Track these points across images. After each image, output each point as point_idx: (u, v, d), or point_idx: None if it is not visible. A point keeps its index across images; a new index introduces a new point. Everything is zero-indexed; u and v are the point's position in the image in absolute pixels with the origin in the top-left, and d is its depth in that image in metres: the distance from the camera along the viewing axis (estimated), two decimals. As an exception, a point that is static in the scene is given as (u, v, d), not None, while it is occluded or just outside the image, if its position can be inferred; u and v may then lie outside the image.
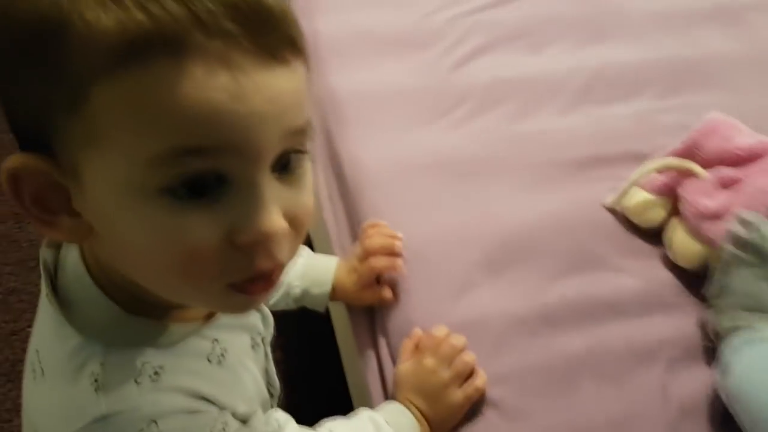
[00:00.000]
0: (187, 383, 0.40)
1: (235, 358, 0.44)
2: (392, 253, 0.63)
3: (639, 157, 0.76)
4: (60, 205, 0.34)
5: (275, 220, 0.34)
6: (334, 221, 0.76)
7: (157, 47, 0.29)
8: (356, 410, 0.59)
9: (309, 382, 0.99)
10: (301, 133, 0.35)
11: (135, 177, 0.32)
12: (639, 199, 0.71)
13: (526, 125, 0.83)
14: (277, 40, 0.32)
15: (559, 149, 0.81)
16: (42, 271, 0.40)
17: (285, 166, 0.35)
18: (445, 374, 0.58)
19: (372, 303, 0.65)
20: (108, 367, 0.37)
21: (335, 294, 0.65)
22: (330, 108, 0.77)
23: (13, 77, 0.32)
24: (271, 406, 0.53)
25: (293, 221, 0.35)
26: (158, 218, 0.32)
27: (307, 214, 0.37)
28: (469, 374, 0.59)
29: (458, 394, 0.57)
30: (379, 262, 0.62)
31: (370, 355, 0.67)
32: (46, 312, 0.40)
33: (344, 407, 0.66)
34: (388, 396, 0.63)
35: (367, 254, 0.63)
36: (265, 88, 0.32)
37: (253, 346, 0.49)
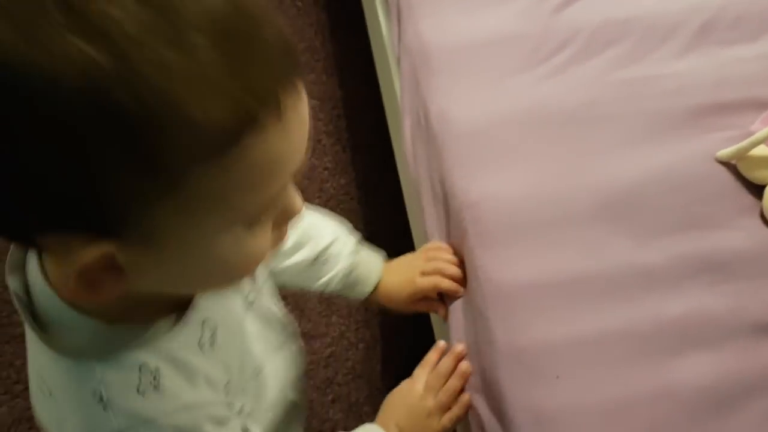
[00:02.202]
0: (186, 381, 0.42)
1: (227, 330, 0.47)
2: (456, 278, 0.68)
3: (763, 105, 0.69)
4: (107, 274, 0.34)
5: (300, 200, 0.41)
6: (417, 177, 0.75)
7: (249, 128, 0.31)
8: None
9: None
10: None
11: (232, 225, 0.35)
12: (756, 153, 0.65)
13: (635, 71, 0.78)
14: (299, 74, 0.35)
15: (672, 97, 0.75)
16: (16, 301, 0.40)
17: None
18: (431, 402, 0.64)
19: (418, 312, 0.70)
20: (107, 383, 0.39)
21: (377, 296, 0.70)
22: (420, 58, 0.76)
23: (93, 165, 0.30)
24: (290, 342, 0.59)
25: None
26: (247, 243, 0.37)
27: None
28: (454, 401, 0.64)
29: (437, 424, 0.64)
30: (444, 284, 0.68)
31: (458, 322, 0.67)
32: (33, 338, 0.40)
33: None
34: (471, 357, 0.63)
35: (434, 272, 0.68)
36: (304, 117, 0.35)
37: (247, 307, 0.52)
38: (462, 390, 0.64)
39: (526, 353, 0.59)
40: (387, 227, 1.11)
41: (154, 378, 0.40)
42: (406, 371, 0.99)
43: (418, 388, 0.66)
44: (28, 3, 0.27)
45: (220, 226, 0.35)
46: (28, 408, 0.47)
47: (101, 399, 0.39)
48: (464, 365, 0.64)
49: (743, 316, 0.60)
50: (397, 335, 1.00)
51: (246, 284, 0.52)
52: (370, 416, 0.96)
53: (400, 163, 0.95)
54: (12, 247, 0.41)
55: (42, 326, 0.39)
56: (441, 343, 0.68)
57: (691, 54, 0.79)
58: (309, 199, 1.13)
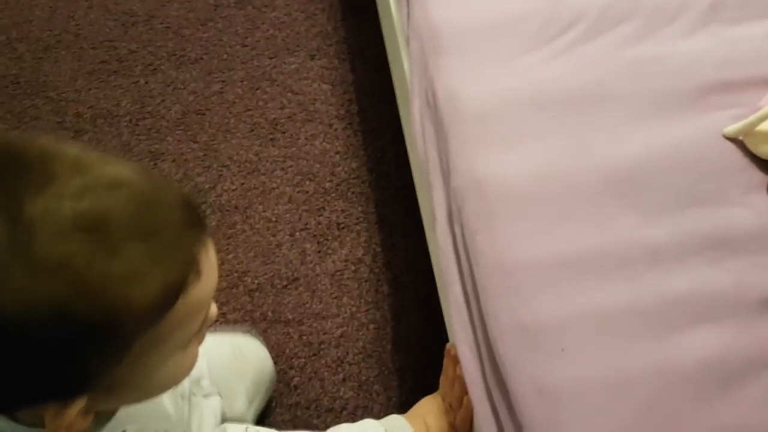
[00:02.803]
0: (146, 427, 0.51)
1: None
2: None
3: (771, 82, 0.68)
4: (80, 417, 0.42)
5: (215, 306, 0.48)
6: (425, 157, 0.76)
7: (179, 295, 0.40)
8: (363, 420, 0.71)
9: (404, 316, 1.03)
10: None
11: (172, 353, 0.44)
12: (764, 128, 0.65)
13: (642, 49, 0.78)
14: (206, 228, 0.44)
15: (678, 75, 0.75)
16: None
17: None
18: (446, 406, 0.72)
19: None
20: None
21: None
22: (428, 38, 0.77)
23: (76, 360, 0.38)
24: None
25: None
26: (185, 360, 0.46)
27: None
28: (460, 404, 0.69)
29: (460, 428, 0.70)
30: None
31: (456, 290, 0.68)
32: None
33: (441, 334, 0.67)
34: (473, 324, 0.64)
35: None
36: (213, 258, 0.44)
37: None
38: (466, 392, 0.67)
39: (530, 328, 0.60)
40: (398, 211, 1.12)
41: None
42: (416, 353, 1.00)
43: (441, 404, 0.73)
44: None
45: (164, 358, 0.43)
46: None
47: None
48: (462, 371, 0.67)
49: (748, 292, 0.61)
50: (408, 317, 1.01)
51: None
52: (381, 395, 0.97)
53: (409, 145, 0.96)
54: None
55: None
56: (448, 347, 0.71)
57: (699, 33, 0.78)
58: (320, 182, 1.15)
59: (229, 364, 0.85)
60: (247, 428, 0.64)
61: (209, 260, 0.42)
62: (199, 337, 0.46)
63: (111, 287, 0.36)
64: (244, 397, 0.84)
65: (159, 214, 0.39)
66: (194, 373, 0.76)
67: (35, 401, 0.40)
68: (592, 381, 0.58)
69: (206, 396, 0.77)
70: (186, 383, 0.75)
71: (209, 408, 0.75)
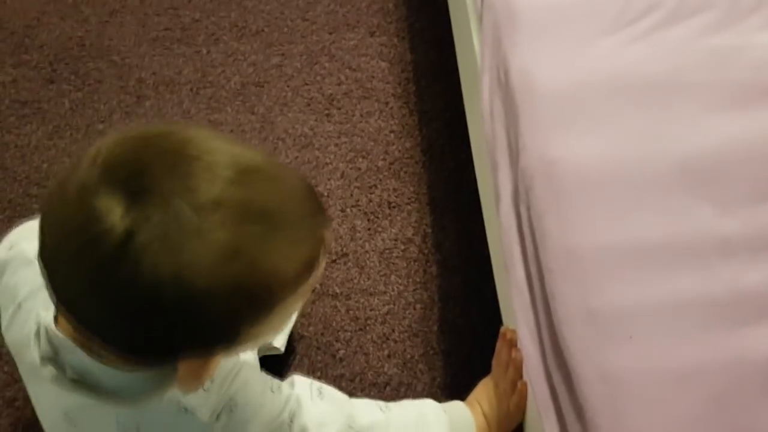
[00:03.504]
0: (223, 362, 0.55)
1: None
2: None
3: None
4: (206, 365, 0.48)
5: None
6: (492, 135, 0.75)
7: (315, 266, 0.47)
8: (425, 399, 0.72)
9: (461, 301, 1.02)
10: None
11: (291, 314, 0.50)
12: None
13: (721, 39, 0.75)
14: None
15: (757, 67, 0.73)
16: (62, 380, 0.51)
17: None
18: (499, 391, 0.72)
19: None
20: (181, 397, 0.52)
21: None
22: (504, 15, 0.76)
23: (240, 320, 0.45)
24: None
25: None
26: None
27: None
28: (513, 389, 0.69)
29: (514, 413, 0.70)
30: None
31: (519, 271, 0.67)
32: (55, 391, 0.51)
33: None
34: (535, 307, 0.63)
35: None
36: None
37: None
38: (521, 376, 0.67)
39: (598, 313, 0.59)
40: (450, 193, 1.11)
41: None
42: (462, 335, 1.00)
43: (500, 389, 0.73)
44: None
45: (288, 315, 0.49)
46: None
47: (186, 410, 0.52)
48: (517, 354, 0.67)
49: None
50: (455, 299, 1.01)
51: None
52: (425, 375, 0.97)
53: (471, 124, 0.95)
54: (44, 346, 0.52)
55: (109, 393, 0.51)
56: (503, 330, 0.71)
57: (782, 25, 0.75)
58: (373, 160, 1.15)
59: None
60: (311, 383, 0.66)
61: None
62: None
63: (272, 267, 0.43)
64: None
65: (297, 202, 0.46)
66: None
67: (187, 354, 0.46)
68: (658, 370, 0.57)
69: None
70: None
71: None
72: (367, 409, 0.67)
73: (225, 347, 0.46)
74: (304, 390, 0.64)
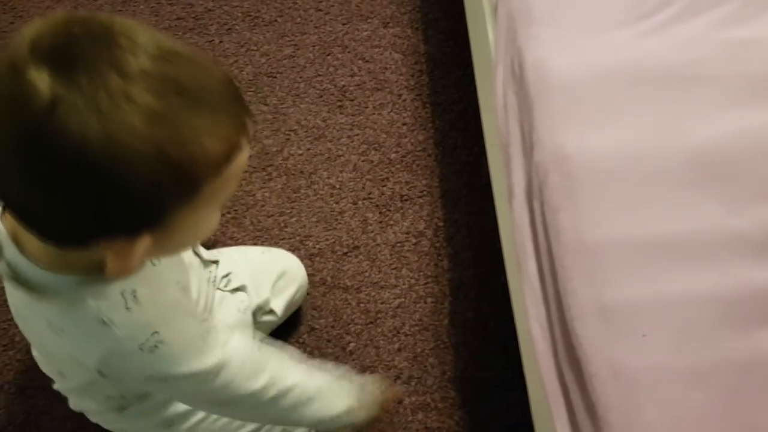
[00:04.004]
0: (158, 289, 0.57)
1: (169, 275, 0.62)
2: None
3: None
4: (133, 250, 0.49)
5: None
6: (506, 128, 0.75)
7: (236, 152, 0.48)
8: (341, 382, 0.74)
9: (471, 286, 1.02)
10: None
11: (209, 210, 0.51)
12: None
13: (739, 32, 0.74)
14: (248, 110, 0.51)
15: (779, 61, 0.71)
16: (6, 279, 0.53)
17: None
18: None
19: None
20: (103, 309, 0.52)
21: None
22: (519, 6, 0.75)
23: (126, 202, 0.45)
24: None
25: None
26: (211, 216, 0.53)
27: None
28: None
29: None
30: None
31: (531, 266, 0.67)
32: (29, 302, 0.54)
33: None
34: (547, 302, 0.63)
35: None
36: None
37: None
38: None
39: (611, 310, 0.58)
40: (462, 186, 1.11)
41: (134, 297, 0.54)
42: (473, 329, 1.00)
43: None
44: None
45: (211, 211, 0.51)
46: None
47: (104, 322, 0.52)
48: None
49: None
50: (466, 293, 1.01)
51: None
52: (435, 368, 0.97)
53: (485, 116, 0.95)
54: None
55: (37, 290, 0.52)
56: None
57: (804, 17, 0.74)
58: (386, 153, 1.14)
59: (255, 258, 0.93)
60: (262, 340, 0.68)
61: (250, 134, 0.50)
62: (224, 204, 0.54)
63: (195, 138, 0.45)
64: (269, 286, 0.91)
65: (219, 85, 0.47)
66: (224, 269, 0.87)
67: (113, 235, 0.47)
68: (671, 368, 0.56)
69: (233, 291, 0.86)
70: (216, 271, 0.84)
71: (234, 301, 0.85)
72: (295, 370, 0.68)
73: (151, 228, 0.47)
74: (242, 343, 0.64)
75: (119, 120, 0.41)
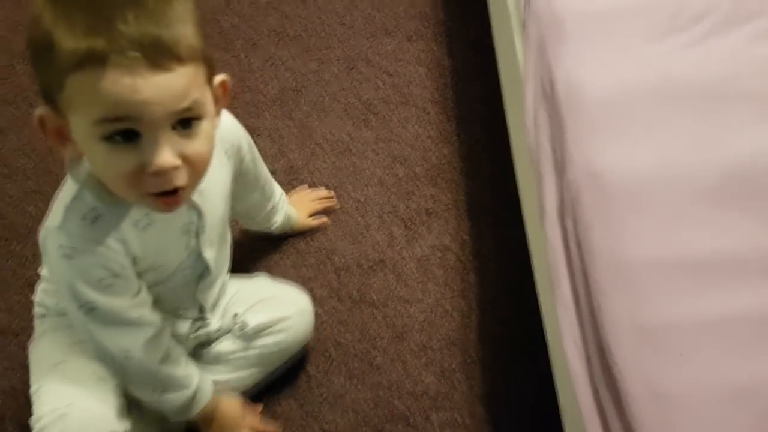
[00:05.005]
0: (112, 232, 0.67)
1: (160, 228, 0.71)
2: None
3: None
4: (67, 136, 0.62)
5: (164, 157, 0.59)
6: (537, 145, 0.75)
7: (92, 62, 0.56)
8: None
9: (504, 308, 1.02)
10: (187, 109, 0.59)
11: (88, 130, 0.59)
12: None
13: (777, 47, 0.73)
14: (164, 57, 0.57)
15: (817, 76, 0.70)
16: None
17: (185, 124, 0.60)
18: None
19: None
20: (73, 203, 0.66)
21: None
22: (549, 23, 0.75)
23: (36, 68, 0.61)
24: (203, 278, 0.81)
25: (187, 159, 0.61)
26: (102, 154, 0.60)
27: (197, 153, 0.62)
28: None
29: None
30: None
31: (565, 285, 0.67)
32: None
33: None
34: (581, 321, 0.63)
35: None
36: (152, 86, 0.57)
37: (183, 231, 0.75)
38: None
39: (648, 329, 0.58)
40: (488, 201, 1.11)
41: (96, 217, 0.66)
42: (501, 345, 0.99)
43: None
44: None
45: (88, 133, 0.59)
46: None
47: (65, 209, 0.66)
48: None
49: None
50: (494, 308, 1.01)
51: (188, 214, 0.74)
52: (463, 384, 0.97)
53: (513, 132, 0.95)
54: None
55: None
56: None
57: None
58: (411, 167, 1.15)
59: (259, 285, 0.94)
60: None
61: (130, 74, 0.56)
62: (125, 151, 0.59)
63: (55, 30, 0.56)
64: (246, 305, 0.90)
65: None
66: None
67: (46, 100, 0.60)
68: (709, 388, 0.56)
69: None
70: (197, 221, 0.78)
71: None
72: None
73: (51, 102, 0.60)
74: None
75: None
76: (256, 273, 0.99)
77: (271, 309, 0.89)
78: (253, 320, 0.88)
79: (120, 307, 0.70)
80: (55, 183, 0.70)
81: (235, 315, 0.88)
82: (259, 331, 0.88)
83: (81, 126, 0.59)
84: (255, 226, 1.02)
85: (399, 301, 1.02)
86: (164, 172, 0.59)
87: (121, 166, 0.59)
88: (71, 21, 0.56)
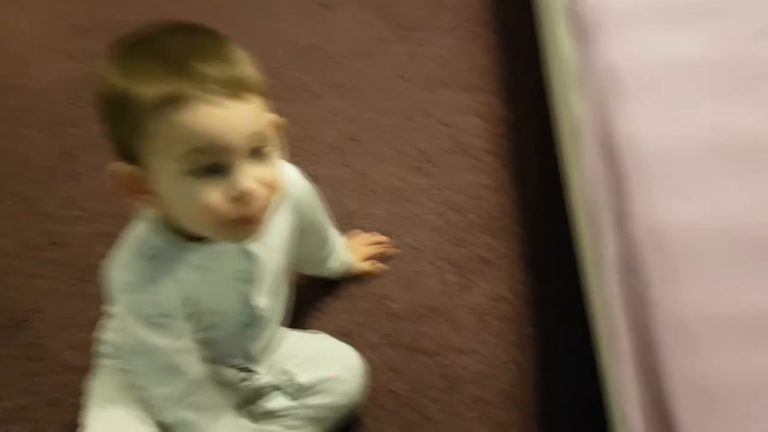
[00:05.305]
0: (166, 272, 0.71)
1: (214, 272, 0.75)
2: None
3: None
4: (142, 188, 0.66)
5: (249, 182, 0.64)
6: (595, 199, 0.75)
7: (176, 101, 0.61)
8: None
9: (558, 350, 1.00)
10: (260, 135, 0.65)
11: (173, 167, 0.63)
12: None
13: None
14: (238, 87, 0.62)
15: None
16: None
17: (257, 154, 0.65)
18: None
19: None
20: (135, 242, 0.72)
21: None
22: (608, 80, 0.76)
23: (112, 125, 0.66)
24: (252, 327, 0.82)
25: (263, 183, 0.66)
26: (187, 188, 0.64)
27: (271, 178, 0.67)
28: None
29: None
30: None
31: (624, 340, 0.65)
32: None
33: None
34: (641, 379, 0.61)
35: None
36: (232, 113, 0.62)
37: (237, 278, 0.77)
38: None
39: (712, 390, 0.57)
40: (545, 252, 1.10)
41: (154, 256, 0.70)
42: (559, 400, 0.97)
43: None
44: None
45: (172, 171, 0.63)
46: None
47: (128, 247, 0.73)
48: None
49: None
50: (551, 362, 0.99)
51: (241, 260, 0.77)
52: (518, 439, 0.95)
53: (571, 184, 0.95)
54: None
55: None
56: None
57: None
58: (466, 215, 1.16)
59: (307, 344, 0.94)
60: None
61: (213, 108, 0.61)
62: (213, 184, 0.63)
63: (125, 83, 0.62)
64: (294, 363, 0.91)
65: (178, 47, 0.63)
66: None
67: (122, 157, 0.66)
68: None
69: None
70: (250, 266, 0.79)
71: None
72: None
73: (128, 157, 0.65)
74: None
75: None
76: (313, 330, 1.00)
77: (323, 368, 0.90)
78: (304, 378, 0.88)
79: (165, 348, 0.73)
80: (124, 226, 0.75)
81: (286, 371, 0.89)
82: (309, 389, 0.89)
83: (164, 166, 0.63)
84: (310, 270, 1.04)
85: (453, 350, 1.02)
86: (247, 196, 0.64)
87: (206, 196, 0.63)
88: (144, 72, 0.61)
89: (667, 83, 0.74)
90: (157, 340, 0.72)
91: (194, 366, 0.76)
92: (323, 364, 0.91)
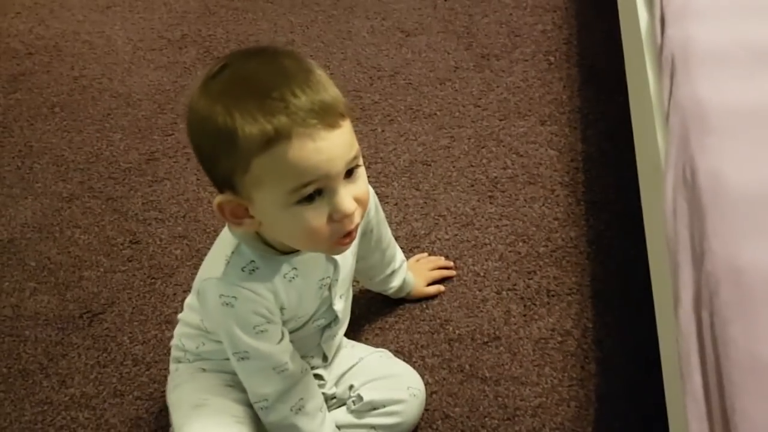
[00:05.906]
0: (263, 281, 0.77)
1: (303, 280, 0.80)
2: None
3: None
4: (244, 214, 0.72)
5: (349, 204, 0.70)
6: (675, 235, 0.75)
7: (279, 139, 0.65)
8: None
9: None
10: (354, 158, 0.70)
11: (281, 200, 0.69)
12: None
13: None
14: (333, 116, 0.67)
15: None
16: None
17: (350, 174, 0.71)
18: None
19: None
20: (234, 262, 0.77)
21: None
22: (693, 117, 0.77)
23: (214, 160, 0.70)
24: (330, 328, 0.89)
25: (357, 200, 0.71)
26: (295, 216, 0.69)
27: (364, 194, 0.73)
28: None
29: None
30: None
31: (696, 380, 0.65)
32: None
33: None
34: (712, 420, 0.61)
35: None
36: (331, 144, 0.67)
37: (320, 284, 0.83)
38: None
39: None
40: (615, 289, 1.10)
41: (253, 270, 0.76)
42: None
43: None
44: None
45: (280, 203, 0.68)
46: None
47: (227, 262, 0.77)
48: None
49: None
50: (613, 401, 0.98)
51: (327, 267, 0.83)
52: (575, 477, 0.94)
53: (648, 220, 0.95)
54: None
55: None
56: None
57: None
58: (534, 246, 1.17)
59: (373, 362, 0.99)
60: None
61: (314, 141, 0.66)
62: (318, 210, 0.69)
63: (231, 123, 0.67)
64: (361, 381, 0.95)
65: (279, 86, 0.66)
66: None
67: (221, 186, 0.72)
68: None
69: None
70: (333, 274, 0.86)
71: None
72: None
73: (230, 187, 0.70)
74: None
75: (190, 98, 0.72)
76: (380, 348, 1.03)
77: (387, 389, 0.93)
78: (368, 396, 0.92)
79: (270, 352, 0.79)
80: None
81: (351, 387, 0.93)
82: (371, 409, 0.92)
83: (271, 198, 0.68)
84: (374, 287, 1.08)
85: (512, 380, 1.03)
86: (348, 217, 0.70)
87: (312, 222, 0.69)
88: (246, 110, 0.65)
89: (753, 124, 0.74)
90: (262, 345, 0.78)
91: (295, 364, 0.82)
92: (389, 385, 0.94)
